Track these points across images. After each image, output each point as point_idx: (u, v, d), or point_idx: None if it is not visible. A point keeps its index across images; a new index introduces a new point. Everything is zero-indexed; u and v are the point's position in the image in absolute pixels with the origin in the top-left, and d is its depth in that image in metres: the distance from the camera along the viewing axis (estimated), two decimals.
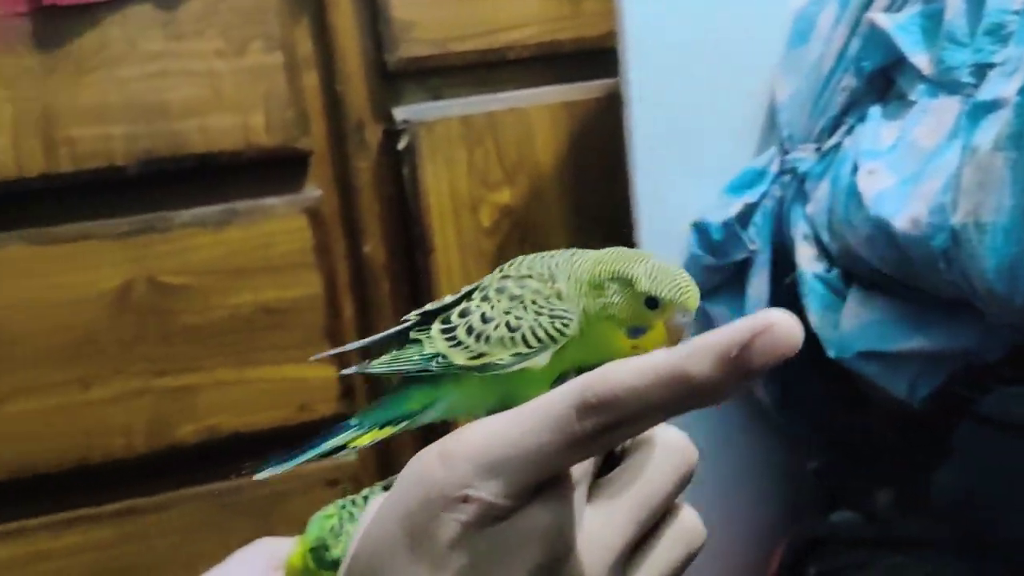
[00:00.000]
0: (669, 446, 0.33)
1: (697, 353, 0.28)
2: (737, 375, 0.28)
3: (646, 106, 0.96)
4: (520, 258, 0.38)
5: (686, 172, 0.96)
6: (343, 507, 0.56)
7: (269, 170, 0.99)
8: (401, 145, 1.00)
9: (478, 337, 0.35)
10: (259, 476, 0.38)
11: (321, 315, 1.00)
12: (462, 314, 0.36)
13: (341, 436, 0.36)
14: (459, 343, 0.36)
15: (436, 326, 0.36)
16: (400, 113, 1.01)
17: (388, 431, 0.36)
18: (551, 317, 0.35)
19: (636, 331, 0.34)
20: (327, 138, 1.01)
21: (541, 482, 0.30)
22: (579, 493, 0.32)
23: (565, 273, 0.36)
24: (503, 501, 0.30)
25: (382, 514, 0.32)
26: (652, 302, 0.34)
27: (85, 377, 0.96)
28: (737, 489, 1.03)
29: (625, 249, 0.36)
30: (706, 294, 0.96)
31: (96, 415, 0.97)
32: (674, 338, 0.34)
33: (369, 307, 1.04)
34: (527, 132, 1.04)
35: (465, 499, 0.30)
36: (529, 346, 0.35)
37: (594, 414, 0.29)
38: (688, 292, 0.34)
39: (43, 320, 0.95)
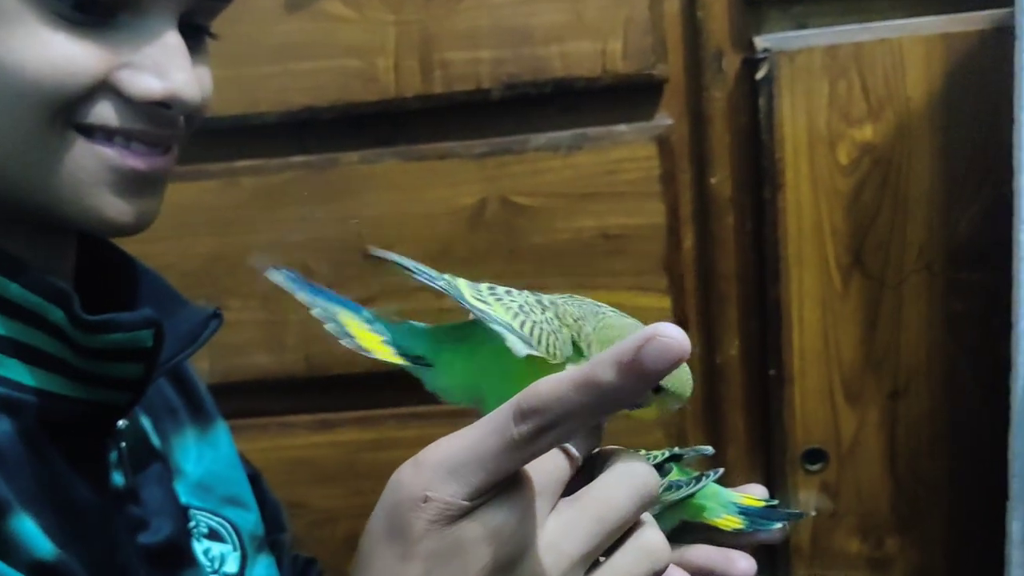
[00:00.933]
0: (629, 470, 0.37)
1: (602, 362, 0.33)
2: (633, 378, 0.32)
3: None
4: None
5: None
6: None
7: (622, 97, 0.99)
8: (759, 75, 0.96)
9: (494, 295, 0.40)
10: (264, 271, 0.44)
11: (661, 245, 1.00)
12: (539, 310, 0.40)
13: (352, 314, 0.40)
14: (479, 292, 0.40)
15: (513, 306, 0.40)
16: (761, 42, 0.97)
17: (385, 353, 0.40)
18: (552, 332, 0.39)
19: (634, 405, 0.39)
20: (683, 66, 1.00)
21: (494, 484, 0.35)
22: (542, 503, 0.36)
23: (592, 323, 0.40)
24: (460, 501, 0.34)
25: (376, 510, 0.37)
26: (658, 388, 0.38)
27: None
28: None
29: (625, 319, 0.39)
30: None
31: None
32: (664, 417, 0.39)
33: (710, 240, 1.02)
34: (897, 65, 0.95)
35: (426, 499, 0.35)
36: (520, 329, 0.39)
37: (526, 419, 0.34)
38: (689, 387, 0.39)
39: (408, 230, 1.03)
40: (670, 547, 0.39)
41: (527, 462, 0.35)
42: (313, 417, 1.07)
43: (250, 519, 0.62)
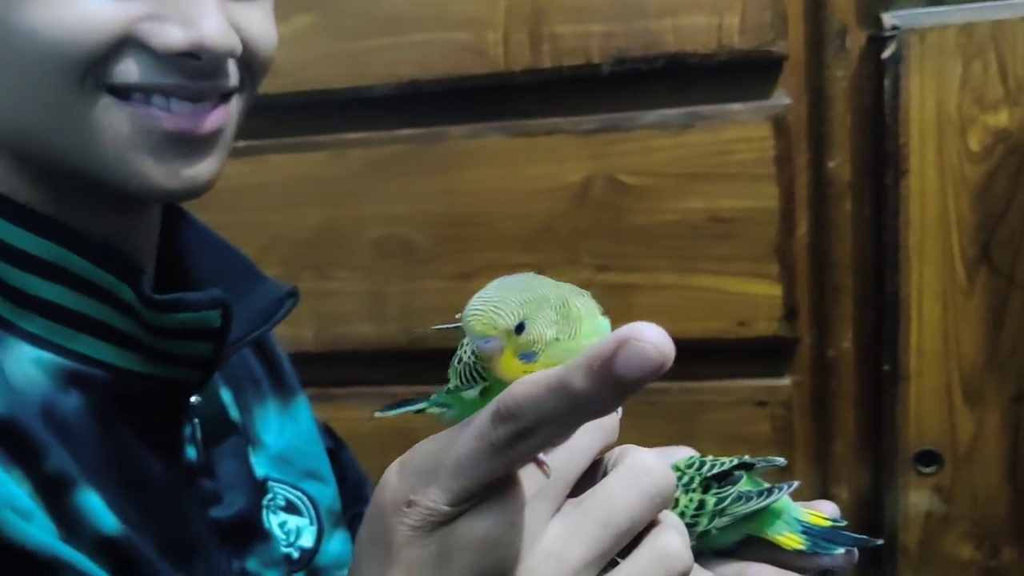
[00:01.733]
0: (636, 468, 0.34)
1: (575, 366, 0.29)
2: (606, 386, 0.29)
3: None
4: None
5: None
6: (691, 465, 0.50)
7: (738, 74, 0.95)
8: (886, 54, 0.90)
9: (450, 363, 0.41)
10: (377, 414, 0.49)
11: (773, 229, 0.95)
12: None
13: (423, 403, 0.46)
14: (456, 371, 0.41)
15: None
16: (890, 19, 0.91)
17: (436, 411, 0.45)
18: (477, 358, 0.38)
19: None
20: (804, 43, 0.94)
21: (478, 490, 0.32)
22: (541, 508, 0.33)
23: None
24: (442, 507, 0.32)
25: (367, 512, 0.35)
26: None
27: (539, 263, 1.01)
28: None
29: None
30: None
31: None
32: (484, 361, 0.36)
33: (826, 226, 0.97)
34: None
35: (409, 504, 0.32)
36: (462, 381, 0.40)
37: (504, 422, 0.31)
38: (469, 319, 0.35)
39: (510, 206, 1.01)
40: (729, 561, 0.36)
41: (510, 468, 0.32)
42: (411, 388, 1.06)
43: (328, 493, 0.61)
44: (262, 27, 0.48)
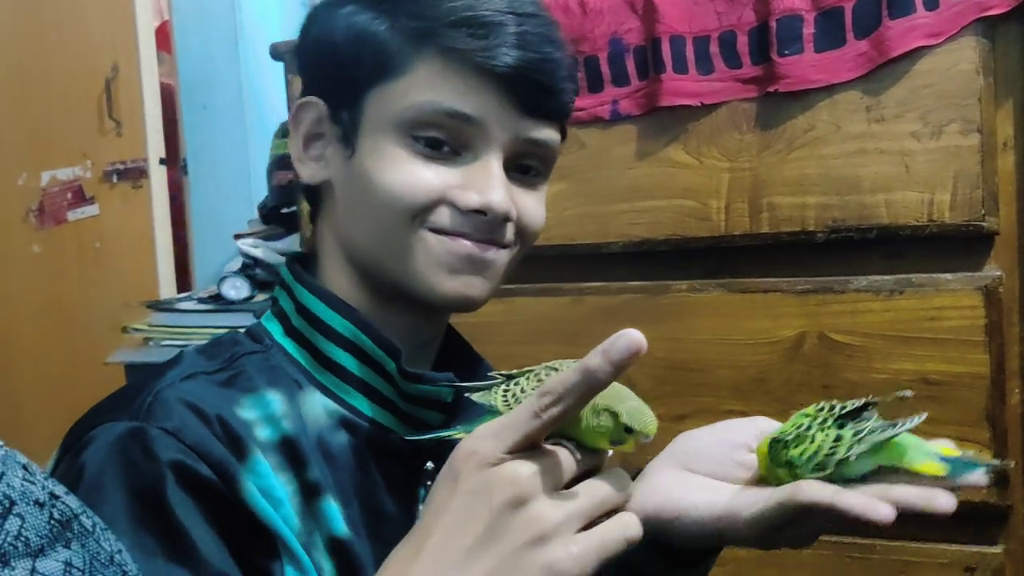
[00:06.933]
0: (615, 473, 0.49)
1: (592, 353, 0.45)
2: (609, 361, 0.44)
3: None
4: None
5: None
6: (821, 409, 0.55)
7: (948, 246, 0.95)
8: None
9: (516, 401, 0.51)
10: (408, 438, 0.59)
11: (984, 396, 0.92)
12: (516, 384, 0.53)
13: (451, 431, 0.54)
14: (507, 403, 0.52)
15: (499, 391, 0.53)
16: None
17: (464, 432, 0.51)
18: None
19: (616, 442, 0.48)
20: (1016, 220, 0.93)
21: (524, 446, 0.46)
22: (555, 476, 0.47)
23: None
24: (497, 453, 0.46)
25: (444, 464, 0.49)
26: (629, 430, 0.48)
27: (751, 411, 1.01)
28: None
29: (615, 386, 0.49)
30: None
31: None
32: (637, 449, 0.49)
33: None
34: None
35: (473, 453, 0.46)
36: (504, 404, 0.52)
37: (544, 395, 0.45)
38: (651, 426, 0.48)
39: (726, 356, 1.04)
40: (641, 529, 0.47)
41: (547, 427, 0.46)
42: None
43: None
44: (533, 206, 0.63)
